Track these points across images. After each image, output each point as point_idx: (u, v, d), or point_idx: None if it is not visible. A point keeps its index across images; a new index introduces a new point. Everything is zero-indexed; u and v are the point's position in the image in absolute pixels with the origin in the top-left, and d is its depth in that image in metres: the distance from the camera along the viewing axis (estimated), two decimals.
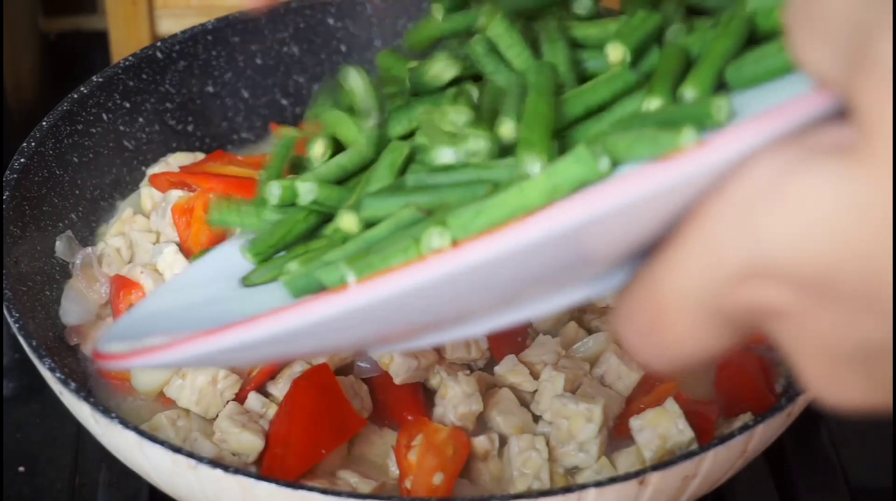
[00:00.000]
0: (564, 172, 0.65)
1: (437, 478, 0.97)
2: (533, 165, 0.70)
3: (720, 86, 0.71)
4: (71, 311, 1.13)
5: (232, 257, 0.84)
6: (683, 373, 0.60)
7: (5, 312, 1.02)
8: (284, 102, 1.33)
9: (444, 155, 0.75)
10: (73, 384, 0.96)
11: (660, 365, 0.61)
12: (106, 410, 0.94)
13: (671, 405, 1.00)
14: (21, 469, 1.18)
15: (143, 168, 1.26)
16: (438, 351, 1.06)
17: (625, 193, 0.57)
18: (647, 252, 0.60)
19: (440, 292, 0.62)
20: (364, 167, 0.84)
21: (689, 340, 0.59)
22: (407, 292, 0.61)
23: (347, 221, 0.76)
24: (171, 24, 1.53)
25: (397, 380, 1.03)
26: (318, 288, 0.74)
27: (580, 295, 0.67)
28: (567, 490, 0.89)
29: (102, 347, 0.80)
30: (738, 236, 0.55)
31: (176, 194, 1.19)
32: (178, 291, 0.85)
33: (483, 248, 0.59)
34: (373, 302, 0.62)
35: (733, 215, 0.55)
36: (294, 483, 0.90)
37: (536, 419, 1.03)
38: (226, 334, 0.67)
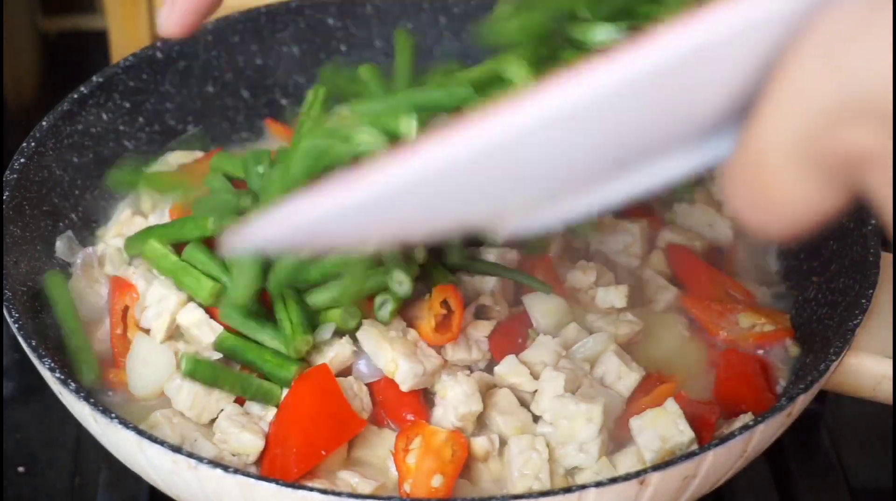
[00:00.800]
0: None
1: (436, 480, 0.97)
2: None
3: None
4: None
5: None
6: (793, 240, 0.59)
7: (5, 312, 1.02)
8: (284, 102, 1.32)
9: None
10: (73, 384, 0.96)
11: (771, 230, 0.59)
12: (106, 410, 0.94)
13: (671, 406, 1.00)
14: (21, 469, 1.18)
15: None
16: (441, 354, 1.06)
17: (697, 35, 0.56)
18: (745, 114, 0.59)
19: (543, 142, 0.60)
20: None
21: (792, 195, 0.57)
22: (508, 137, 0.59)
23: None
24: None
25: (404, 387, 1.03)
26: None
27: (687, 163, 0.65)
28: (567, 490, 0.89)
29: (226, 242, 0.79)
30: (828, 72, 0.53)
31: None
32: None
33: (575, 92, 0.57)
34: (488, 143, 0.60)
35: (822, 52, 0.53)
36: (294, 484, 0.90)
37: (536, 419, 1.03)
38: (332, 191, 0.65)
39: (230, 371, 1.03)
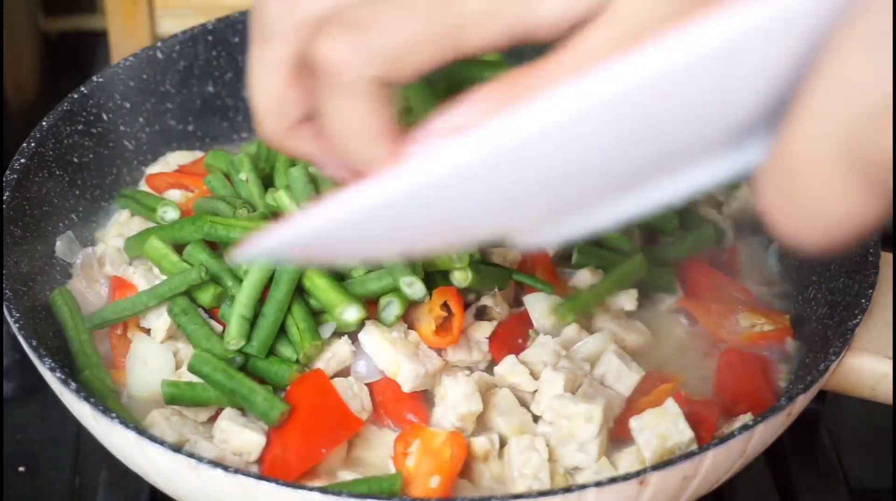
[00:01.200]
0: None
1: (434, 481, 0.97)
2: None
3: None
4: None
5: None
6: (830, 250, 0.56)
7: (5, 312, 1.02)
8: None
9: None
10: (73, 384, 0.96)
11: (808, 240, 0.56)
12: (106, 409, 0.94)
13: (671, 406, 1.00)
14: (21, 469, 1.18)
15: (143, 168, 1.26)
16: (442, 355, 1.06)
17: (735, 21, 0.52)
18: (779, 117, 0.56)
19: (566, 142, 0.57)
20: None
21: (833, 203, 0.53)
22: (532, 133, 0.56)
23: None
24: (171, 24, 1.53)
25: (406, 388, 1.03)
26: None
27: (719, 171, 0.62)
28: (567, 490, 0.89)
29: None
30: (877, 67, 0.50)
31: (174, 195, 1.19)
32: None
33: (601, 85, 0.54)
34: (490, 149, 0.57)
35: (871, 46, 0.50)
36: (294, 484, 0.90)
37: (536, 419, 1.03)
38: (339, 199, 0.63)
39: (221, 384, 1.02)
